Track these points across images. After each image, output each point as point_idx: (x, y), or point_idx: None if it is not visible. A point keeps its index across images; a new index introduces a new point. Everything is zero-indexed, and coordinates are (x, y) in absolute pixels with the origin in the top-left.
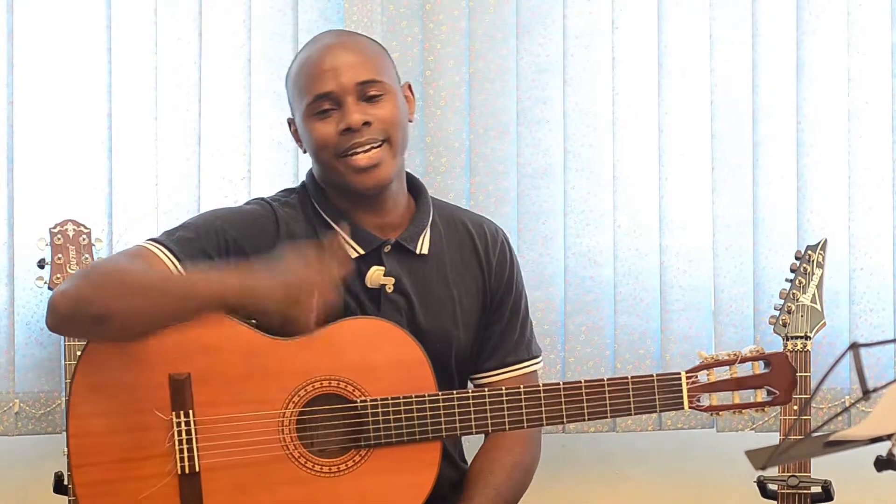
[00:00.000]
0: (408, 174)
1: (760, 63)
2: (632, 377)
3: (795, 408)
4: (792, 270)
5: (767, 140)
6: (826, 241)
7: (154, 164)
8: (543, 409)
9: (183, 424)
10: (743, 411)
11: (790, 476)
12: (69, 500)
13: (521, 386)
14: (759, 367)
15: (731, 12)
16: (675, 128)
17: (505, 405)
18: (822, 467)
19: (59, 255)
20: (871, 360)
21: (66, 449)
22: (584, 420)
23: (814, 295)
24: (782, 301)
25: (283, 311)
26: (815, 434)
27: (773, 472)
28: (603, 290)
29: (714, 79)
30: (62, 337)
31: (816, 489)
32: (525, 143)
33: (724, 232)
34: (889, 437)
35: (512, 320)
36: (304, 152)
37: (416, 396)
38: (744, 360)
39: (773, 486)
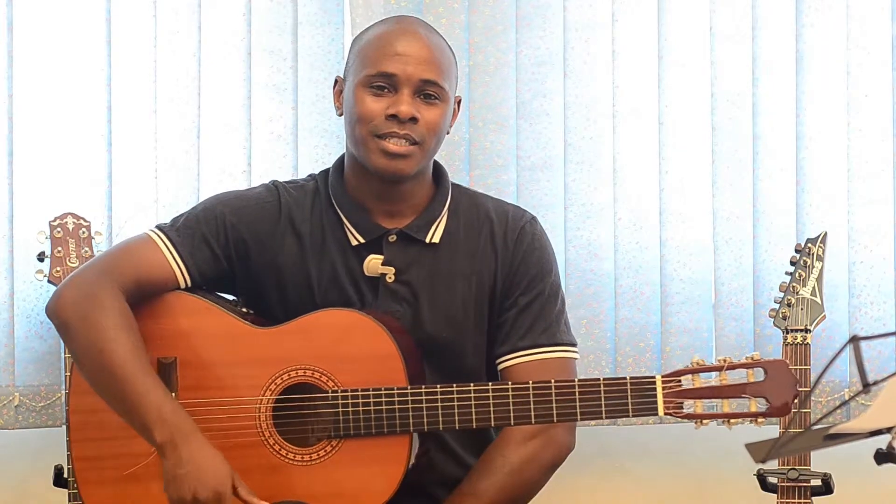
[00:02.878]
0: (435, 163)
1: (760, 56)
2: (604, 379)
3: (795, 401)
4: (792, 263)
5: (767, 133)
6: (826, 233)
7: (153, 158)
8: (511, 408)
9: None
10: (732, 421)
11: (790, 469)
12: (69, 494)
13: (491, 384)
14: (755, 375)
15: (732, 5)
16: (675, 121)
17: (472, 402)
18: (821, 460)
19: (59, 248)
20: (871, 354)
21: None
22: (552, 421)
23: (814, 288)
24: (782, 294)
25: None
26: (815, 427)
27: (772, 465)
28: (603, 283)
29: (714, 72)
30: None
31: (816, 482)
32: (525, 136)
33: (724, 225)
34: (889, 430)
35: (530, 305)
36: (339, 115)
37: (386, 389)
38: (732, 366)
39: (772, 479)
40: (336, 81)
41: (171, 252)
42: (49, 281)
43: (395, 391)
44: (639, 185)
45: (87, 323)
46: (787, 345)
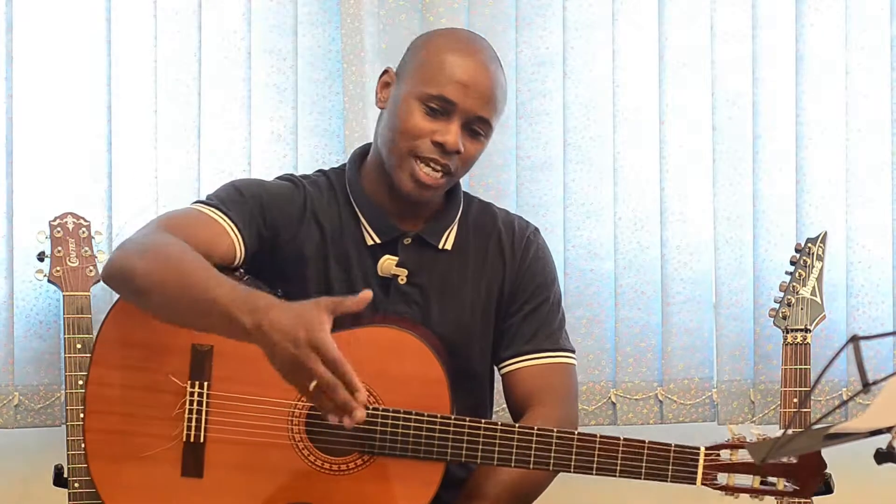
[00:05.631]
0: None
1: (761, 56)
2: (649, 442)
3: (795, 400)
4: (792, 263)
5: (767, 133)
6: (826, 233)
7: (154, 157)
8: (553, 455)
9: (196, 395)
10: (760, 497)
11: None
12: (69, 493)
13: (536, 427)
14: (790, 457)
15: (732, 4)
16: (675, 120)
17: (514, 443)
18: None
19: (59, 248)
20: (870, 353)
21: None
22: (591, 474)
23: (813, 288)
24: (782, 294)
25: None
26: (815, 427)
27: None
28: (603, 282)
29: (714, 71)
30: (61, 330)
31: None
32: (525, 135)
33: (724, 224)
34: (889, 429)
35: (535, 311)
36: (380, 108)
37: (428, 416)
38: None
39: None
40: (385, 71)
41: (227, 223)
42: (49, 281)
43: (438, 419)
44: (639, 184)
45: (153, 252)
46: (787, 344)
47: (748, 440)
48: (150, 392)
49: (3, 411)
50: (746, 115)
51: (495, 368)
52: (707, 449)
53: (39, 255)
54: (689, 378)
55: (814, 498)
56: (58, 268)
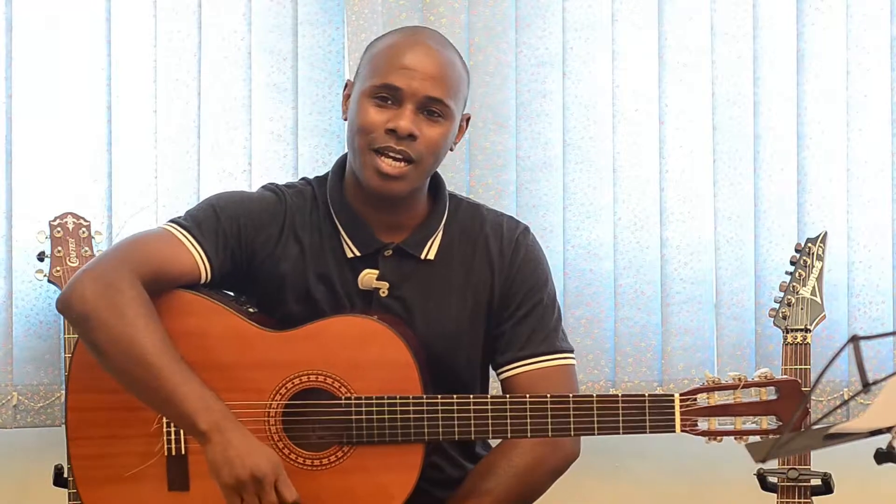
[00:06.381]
0: (434, 174)
1: (761, 55)
2: (622, 395)
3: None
4: (792, 263)
5: (768, 132)
6: (826, 233)
7: (154, 157)
8: (528, 420)
9: None
10: (743, 438)
11: (790, 469)
12: (69, 493)
13: (508, 396)
14: (768, 394)
15: (733, 4)
16: (675, 120)
17: (489, 414)
18: (821, 460)
19: (59, 248)
20: (870, 353)
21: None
22: (569, 435)
23: (814, 287)
24: (782, 294)
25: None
26: (815, 427)
27: (772, 464)
28: (603, 283)
29: (715, 71)
30: (61, 330)
31: (816, 482)
32: (524, 136)
33: (724, 224)
34: (889, 429)
35: (528, 315)
36: (345, 119)
37: (401, 398)
38: (748, 385)
39: (772, 479)
40: (346, 85)
41: (194, 246)
42: (49, 281)
43: (411, 400)
44: (639, 184)
45: (111, 313)
46: (787, 345)
47: (723, 382)
48: (128, 411)
49: (1, 411)
50: (746, 115)
51: (493, 374)
52: (682, 394)
53: (39, 255)
54: (689, 378)
55: (814, 498)
56: (58, 268)
